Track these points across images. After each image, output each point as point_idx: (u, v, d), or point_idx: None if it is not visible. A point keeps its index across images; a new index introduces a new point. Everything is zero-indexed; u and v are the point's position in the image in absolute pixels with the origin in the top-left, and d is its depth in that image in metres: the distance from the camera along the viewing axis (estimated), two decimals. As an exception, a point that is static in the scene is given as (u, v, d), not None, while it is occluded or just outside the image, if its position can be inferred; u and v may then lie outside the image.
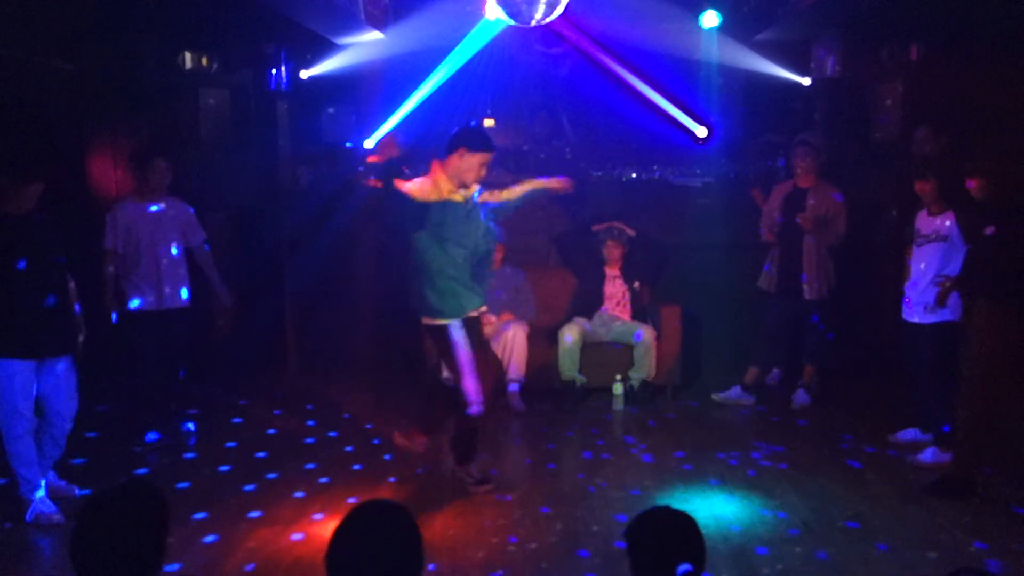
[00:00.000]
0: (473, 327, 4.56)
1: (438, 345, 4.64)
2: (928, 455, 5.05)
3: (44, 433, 4.33)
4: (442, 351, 4.61)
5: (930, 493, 4.55)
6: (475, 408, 4.48)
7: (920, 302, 5.12)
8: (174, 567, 3.73)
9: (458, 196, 4.47)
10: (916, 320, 5.16)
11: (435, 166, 4.50)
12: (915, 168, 5.33)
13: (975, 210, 4.70)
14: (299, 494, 4.67)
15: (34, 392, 4.23)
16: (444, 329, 4.49)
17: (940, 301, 4.98)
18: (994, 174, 4.46)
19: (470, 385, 4.46)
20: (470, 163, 4.43)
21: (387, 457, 5.29)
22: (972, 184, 4.56)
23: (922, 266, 5.12)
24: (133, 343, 5.50)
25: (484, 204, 4.63)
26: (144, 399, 5.57)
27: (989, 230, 4.49)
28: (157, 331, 5.48)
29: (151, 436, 5.47)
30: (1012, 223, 4.38)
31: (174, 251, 5.53)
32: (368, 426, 5.91)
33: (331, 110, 7.46)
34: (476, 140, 4.50)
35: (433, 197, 4.41)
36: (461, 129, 4.62)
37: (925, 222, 5.18)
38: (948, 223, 5.03)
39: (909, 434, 5.41)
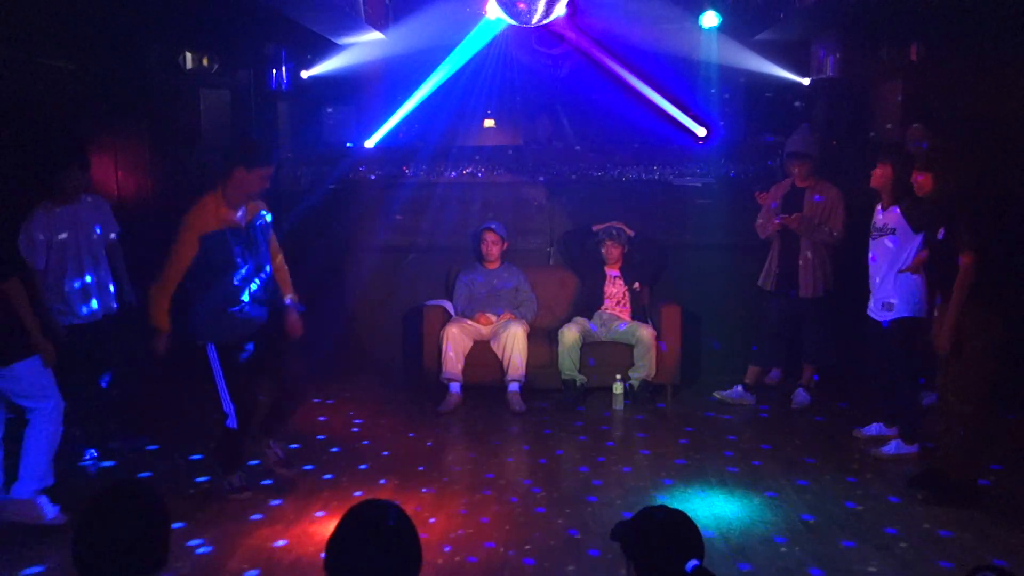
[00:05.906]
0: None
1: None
2: (892, 448, 5.19)
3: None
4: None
5: (933, 502, 4.46)
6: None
7: (878, 299, 5.22)
8: None
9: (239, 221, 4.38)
10: (876, 317, 5.26)
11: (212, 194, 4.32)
12: (878, 152, 5.39)
13: (918, 204, 4.82)
14: (297, 494, 4.67)
15: None
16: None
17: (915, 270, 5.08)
18: (944, 172, 4.54)
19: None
20: (251, 179, 4.29)
21: (385, 454, 5.31)
22: (919, 178, 4.65)
23: (876, 259, 5.24)
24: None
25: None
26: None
27: (940, 234, 4.54)
28: (87, 344, 5.03)
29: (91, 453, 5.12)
30: (961, 224, 4.39)
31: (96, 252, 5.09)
32: (366, 426, 5.91)
33: (331, 110, 7.46)
34: (253, 156, 4.31)
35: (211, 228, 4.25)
36: (236, 146, 4.44)
37: (878, 215, 5.30)
38: (896, 215, 5.13)
39: (873, 428, 5.48)
